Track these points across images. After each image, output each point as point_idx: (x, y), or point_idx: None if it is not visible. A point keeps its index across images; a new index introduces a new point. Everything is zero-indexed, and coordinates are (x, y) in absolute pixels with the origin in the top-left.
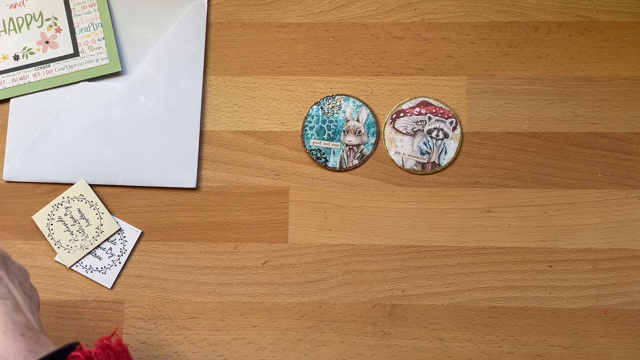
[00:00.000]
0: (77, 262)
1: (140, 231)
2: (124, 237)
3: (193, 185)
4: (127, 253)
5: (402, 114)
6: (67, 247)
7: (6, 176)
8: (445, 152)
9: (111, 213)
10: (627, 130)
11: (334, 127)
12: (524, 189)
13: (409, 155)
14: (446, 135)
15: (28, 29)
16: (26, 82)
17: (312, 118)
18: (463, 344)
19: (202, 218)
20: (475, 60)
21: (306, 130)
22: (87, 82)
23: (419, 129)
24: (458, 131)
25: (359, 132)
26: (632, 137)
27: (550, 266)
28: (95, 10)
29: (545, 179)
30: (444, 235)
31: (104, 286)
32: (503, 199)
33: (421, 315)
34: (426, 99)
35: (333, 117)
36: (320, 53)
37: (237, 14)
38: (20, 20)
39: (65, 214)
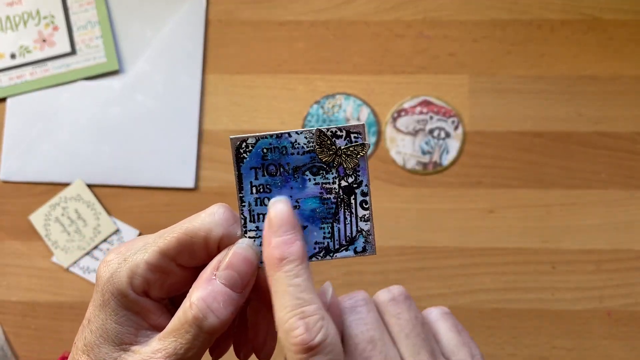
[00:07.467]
0: (75, 263)
1: (138, 231)
2: (122, 237)
3: (191, 185)
4: None
5: (403, 113)
6: (64, 248)
7: (3, 176)
8: (447, 151)
9: (109, 213)
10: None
11: None
12: (526, 189)
13: (411, 155)
14: (448, 135)
15: (25, 27)
16: (23, 80)
17: (312, 117)
18: None
19: None
20: (477, 59)
21: None
22: (84, 81)
23: (421, 128)
24: (460, 130)
25: None
26: (636, 137)
27: (553, 267)
28: (92, 9)
29: (548, 179)
30: (446, 236)
31: None
32: (506, 199)
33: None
34: (428, 98)
35: (333, 116)
36: (320, 51)
37: (236, 11)
38: (17, 18)
39: (62, 215)
